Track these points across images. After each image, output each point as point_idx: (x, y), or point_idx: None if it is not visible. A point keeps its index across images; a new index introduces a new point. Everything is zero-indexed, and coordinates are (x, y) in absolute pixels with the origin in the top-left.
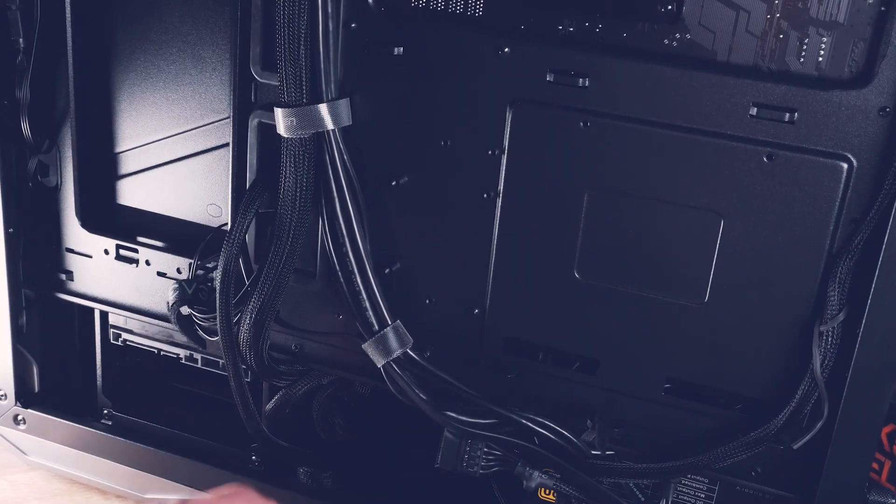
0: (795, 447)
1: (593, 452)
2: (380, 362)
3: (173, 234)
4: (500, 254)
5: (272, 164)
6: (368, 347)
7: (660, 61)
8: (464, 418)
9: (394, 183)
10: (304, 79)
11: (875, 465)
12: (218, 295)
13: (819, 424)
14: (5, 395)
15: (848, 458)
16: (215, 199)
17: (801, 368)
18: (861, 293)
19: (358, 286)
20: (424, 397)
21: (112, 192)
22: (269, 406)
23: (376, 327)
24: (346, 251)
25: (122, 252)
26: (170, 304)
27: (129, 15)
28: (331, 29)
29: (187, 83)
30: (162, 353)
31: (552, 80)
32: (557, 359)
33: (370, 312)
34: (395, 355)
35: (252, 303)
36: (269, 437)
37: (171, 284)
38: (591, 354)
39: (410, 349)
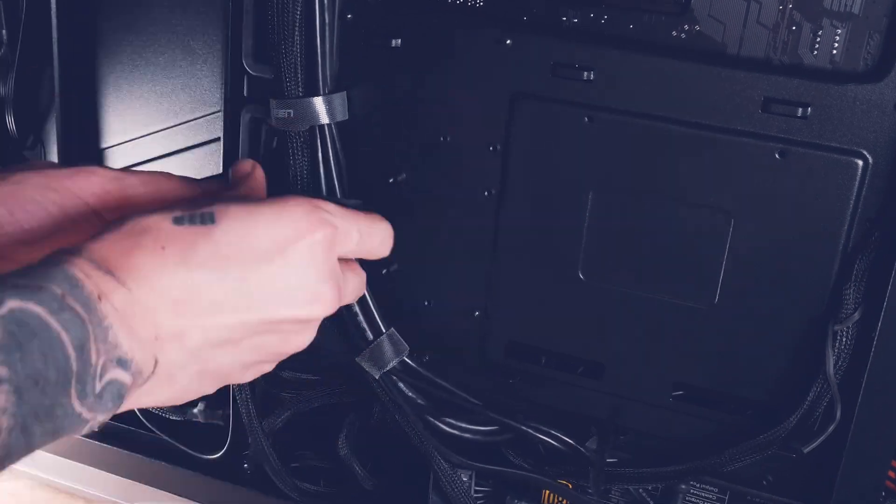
0: (806, 451)
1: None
2: (376, 374)
3: None
4: (501, 254)
5: (265, 160)
6: (363, 360)
7: (667, 54)
8: (463, 425)
9: (391, 180)
10: (298, 71)
11: (892, 474)
12: None
13: (831, 428)
14: None
15: (863, 466)
16: None
17: (813, 371)
18: (877, 293)
19: None
20: (422, 402)
21: None
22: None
23: (370, 336)
24: None
25: None
26: None
27: (116, 5)
28: (326, 20)
29: (177, 76)
30: None
31: (555, 73)
32: (561, 363)
33: (361, 318)
34: (390, 366)
35: None
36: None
37: None
38: (596, 358)
39: (407, 356)
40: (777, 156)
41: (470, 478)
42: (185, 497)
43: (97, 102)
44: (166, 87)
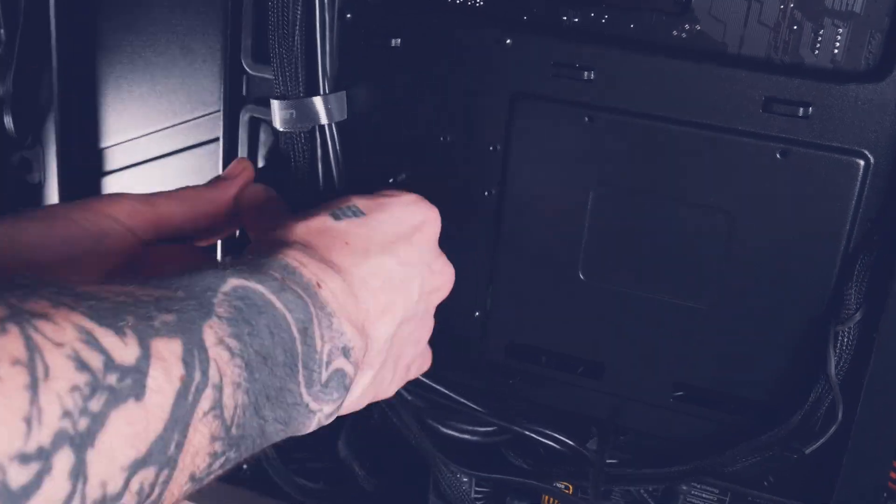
0: (808, 452)
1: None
2: None
3: None
4: (502, 254)
5: (265, 160)
6: None
7: (668, 53)
8: (462, 426)
9: (391, 180)
10: (299, 71)
11: (894, 475)
12: None
13: (833, 429)
14: None
15: (865, 467)
16: None
17: (815, 371)
18: (878, 293)
19: None
20: (421, 405)
21: (97, 190)
22: None
23: None
24: None
25: None
26: None
27: (115, 5)
28: (326, 19)
29: (176, 75)
30: None
31: (556, 73)
32: (561, 363)
33: None
34: None
35: None
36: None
37: None
38: (596, 358)
39: None
40: (778, 156)
41: (470, 479)
42: (182, 498)
43: (96, 102)
44: (166, 86)
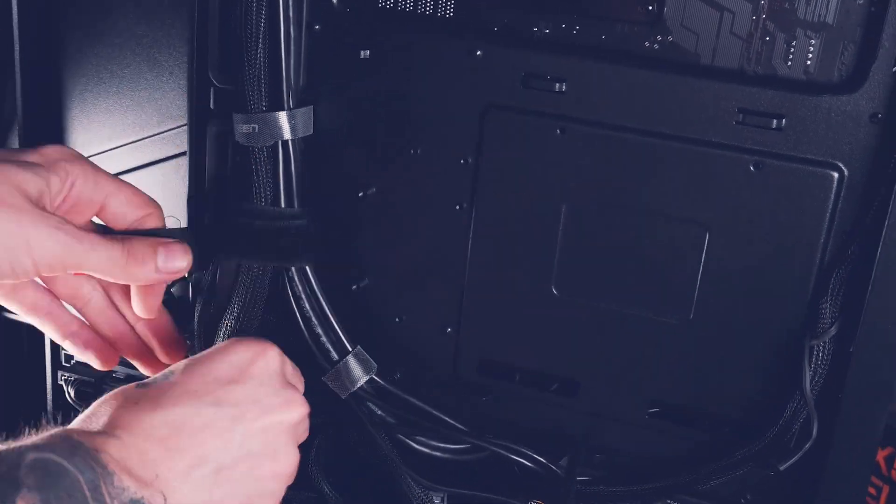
0: (782, 468)
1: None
2: (344, 394)
3: None
4: (473, 269)
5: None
6: (329, 379)
7: (640, 65)
8: (435, 443)
9: (361, 194)
10: (262, 85)
11: (872, 491)
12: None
13: (807, 445)
14: None
15: (842, 483)
16: (173, 212)
17: (790, 387)
18: (854, 307)
19: (307, 312)
20: (392, 421)
21: None
22: None
23: (335, 356)
24: (291, 272)
25: None
26: None
27: (80, 15)
28: (292, 33)
29: (142, 88)
30: (115, 374)
31: (527, 84)
32: (535, 380)
33: (324, 339)
34: (358, 385)
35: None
36: None
37: None
38: (571, 375)
39: (377, 374)
40: (752, 168)
41: (442, 500)
42: None
43: (61, 116)
44: (132, 99)
